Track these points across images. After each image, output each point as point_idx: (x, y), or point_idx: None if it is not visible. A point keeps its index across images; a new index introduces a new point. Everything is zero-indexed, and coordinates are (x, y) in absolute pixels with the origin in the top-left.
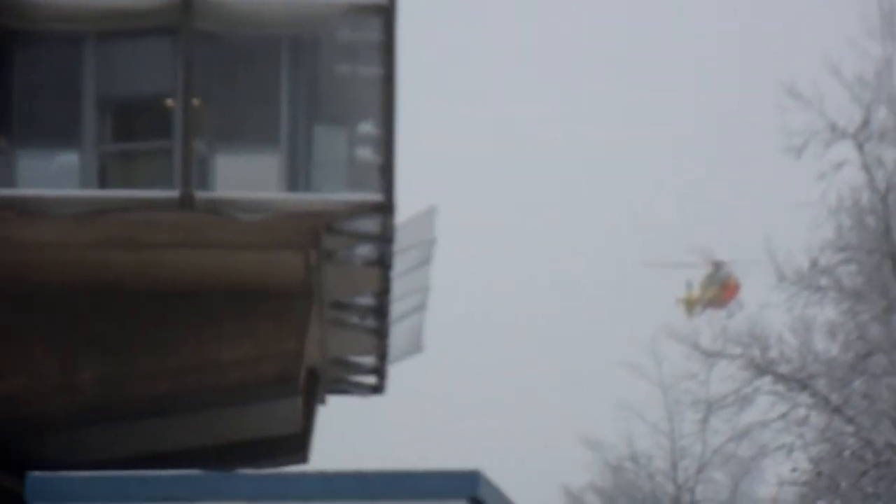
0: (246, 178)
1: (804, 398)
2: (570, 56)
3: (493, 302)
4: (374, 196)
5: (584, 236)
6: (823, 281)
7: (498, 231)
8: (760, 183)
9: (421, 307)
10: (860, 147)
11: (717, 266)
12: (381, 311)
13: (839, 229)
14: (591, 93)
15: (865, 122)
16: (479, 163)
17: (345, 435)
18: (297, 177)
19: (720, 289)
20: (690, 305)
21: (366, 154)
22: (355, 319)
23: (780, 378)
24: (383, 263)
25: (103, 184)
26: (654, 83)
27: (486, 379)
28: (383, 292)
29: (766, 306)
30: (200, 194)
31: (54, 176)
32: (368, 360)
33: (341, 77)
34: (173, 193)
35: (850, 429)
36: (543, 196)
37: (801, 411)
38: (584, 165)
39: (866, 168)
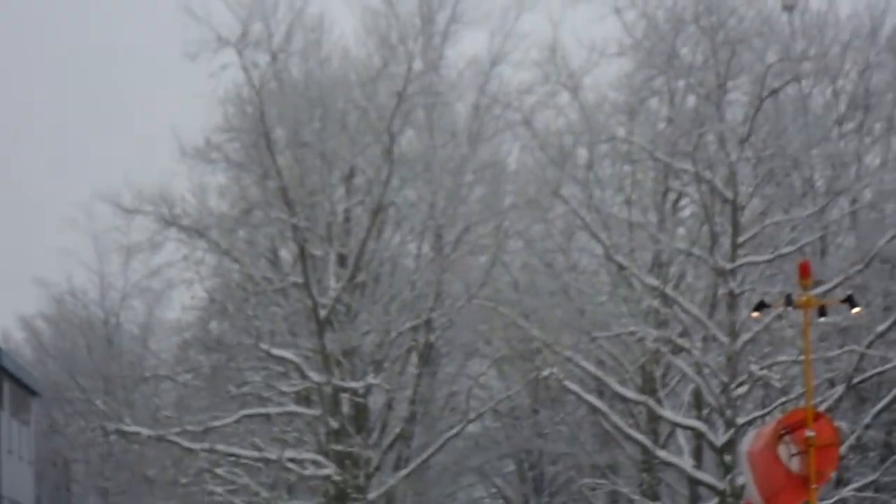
0: None
1: (202, 244)
2: None
3: None
4: None
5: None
6: (215, 155)
7: None
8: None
9: None
10: (240, 53)
11: None
12: None
13: (226, 115)
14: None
15: (244, 34)
16: None
17: None
18: None
19: None
20: None
21: None
22: None
23: (183, 229)
24: None
25: None
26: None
27: None
28: None
29: (172, 174)
30: None
31: None
32: None
33: None
34: None
35: (236, 266)
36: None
37: (199, 254)
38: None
39: (245, 69)
